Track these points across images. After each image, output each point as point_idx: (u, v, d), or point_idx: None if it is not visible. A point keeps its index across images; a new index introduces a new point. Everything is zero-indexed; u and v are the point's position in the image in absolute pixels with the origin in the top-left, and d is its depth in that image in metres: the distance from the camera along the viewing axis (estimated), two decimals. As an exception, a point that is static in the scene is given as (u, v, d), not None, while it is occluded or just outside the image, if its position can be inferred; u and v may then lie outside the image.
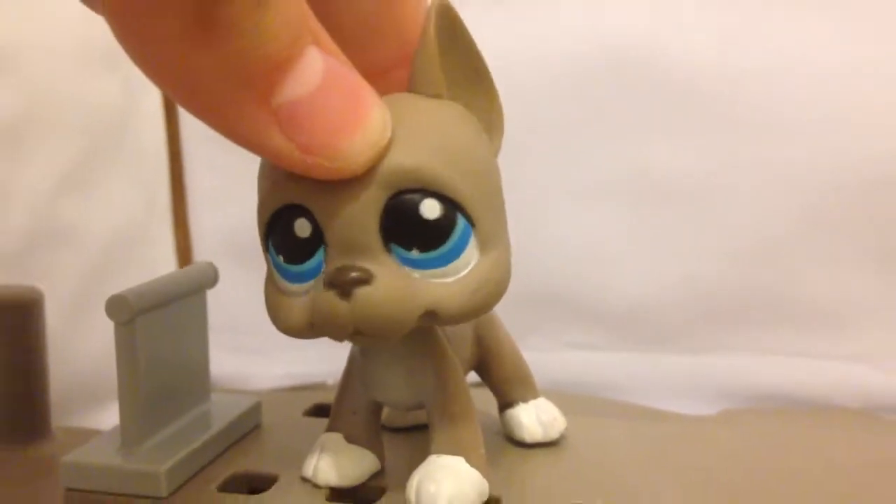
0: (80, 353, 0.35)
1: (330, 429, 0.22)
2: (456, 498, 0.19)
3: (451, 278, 0.17)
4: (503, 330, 0.24)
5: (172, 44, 0.14)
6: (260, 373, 0.41)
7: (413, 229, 0.17)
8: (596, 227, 0.39)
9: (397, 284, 0.17)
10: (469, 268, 0.17)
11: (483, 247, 0.18)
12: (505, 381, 0.24)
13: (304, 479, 0.21)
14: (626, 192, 0.39)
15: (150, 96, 0.42)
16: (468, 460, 0.19)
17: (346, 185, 0.17)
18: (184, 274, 0.24)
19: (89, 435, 0.24)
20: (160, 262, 0.42)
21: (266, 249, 0.19)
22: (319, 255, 0.18)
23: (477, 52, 0.19)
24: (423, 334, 0.20)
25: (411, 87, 0.18)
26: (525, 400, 0.24)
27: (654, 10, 0.38)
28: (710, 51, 0.37)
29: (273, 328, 0.19)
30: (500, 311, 0.23)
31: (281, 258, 0.18)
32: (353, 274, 0.17)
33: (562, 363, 0.38)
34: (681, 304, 0.38)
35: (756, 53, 0.37)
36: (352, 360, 0.22)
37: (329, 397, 0.27)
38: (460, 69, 0.18)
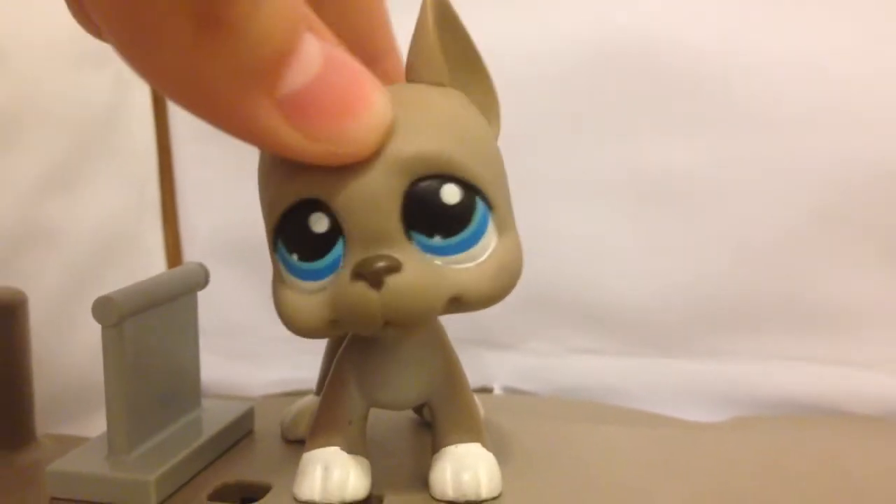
0: (66, 358, 0.35)
1: (324, 444, 0.21)
2: (493, 480, 0.20)
3: (472, 263, 0.18)
4: None
5: (176, 50, 0.14)
6: (253, 378, 0.41)
7: (435, 215, 0.18)
8: (597, 227, 0.39)
9: (424, 272, 0.17)
10: (488, 252, 0.18)
11: (500, 230, 0.18)
12: None
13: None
14: (629, 190, 0.38)
15: (139, 91, 0.41)
16: (483, 444, 0.21)
17: (364, 175, 0.17)
18: (173, 275, 0.24)
19: (75, 442, 0.24)
20: (149, 263, 0.42)
21: (274, 249, 0.19)
22: (338, 250, 0.18)
23: (470, 41, 0.19)
24: (429, 327, 0.21)
25: (411, 78, 0.19)
26: None
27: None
28: (713, 43, 0.37)
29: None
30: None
31: (294, 256, 0.18)
32: (382, 263, 0.17)
33: (565, 368, 0.38)
34: (687, 307, 0.38)
35: (761, 45, 0.37)
36: (343, 369, 0.21)
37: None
38: (456, 58, 0.19)
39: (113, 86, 0.39)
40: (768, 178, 0.37)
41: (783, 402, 0.36)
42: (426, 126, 0.18)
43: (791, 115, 0.36)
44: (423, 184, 0.17)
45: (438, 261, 0.18)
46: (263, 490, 0.22)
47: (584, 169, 0.39)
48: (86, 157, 0.38)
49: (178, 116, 0.43)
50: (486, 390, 0.37)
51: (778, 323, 0.37)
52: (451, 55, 0.19)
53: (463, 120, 0.19)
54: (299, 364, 0.38)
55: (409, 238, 0.18)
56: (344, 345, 0.21)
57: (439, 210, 0.17)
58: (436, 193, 0.17)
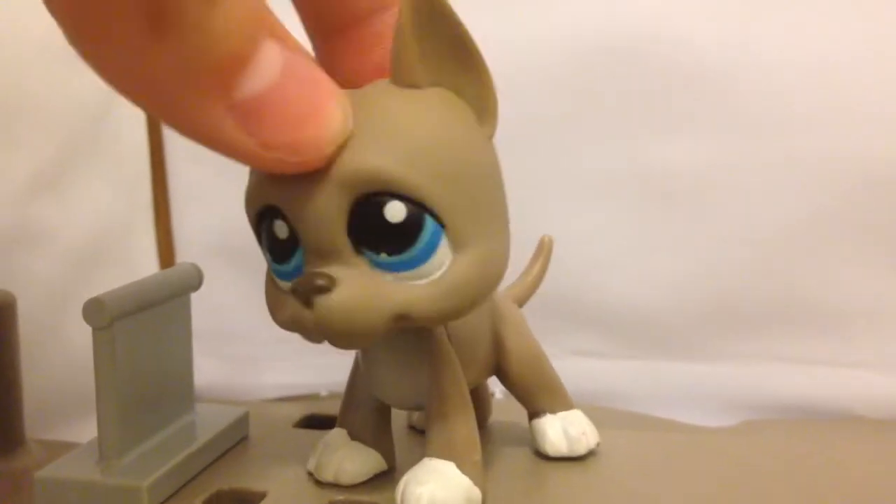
0: (56, 361, 0.35)
1: (337, 426, 0.23)
2: (440, 503, 0.19)
3: (425, 280, 0.18)
4: (521, 333, 0.24)
5: (126, 45, 0.14)
6: (248, 382, 0.41)
7: (379, 233, 0.17)
8: (600, 227, 0.39)
9: (362, 290, 0.17)
10: (441, 270, 0.18)
11: (458, 247, 0.18)
12: (523, 387, 0.24)
13: (309, 474, 0.22)
14: (632, 190, 0.39)
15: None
16: (459, 465, 0.20)
17: (313, 188, 0.17)
18: (166, 276, 0.24)
19: (66, 448, 0.24)
20: (141, 264, 0.42)
21: (261, 244, 0.19)
22: (298, 257, 0.18)
23: (464, 32, 0.18)
24: (422, 333, 0.20)
25: (390, 75, 0.18)
26: (553, 411, 0.24)
27: None
28: (715, 41, 0.37)
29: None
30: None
31: (269, 256, 0.19)
32: (319, 282, 0.17)
33: (567, 371, 0.38)
34: (693, 309, 0.38)
35: (764, 44, 0.37)
36: (357, 360, 0.23)
37: (321, 409, 0.27)
38: (446, 52, 0.18)
39: (104, 83, 0.39)
40: (772, 177, 0.37)
41: (793, 406, 0.36)
42: (375, 140, 0.17)
43: (792, 114, 0.36)
44: (368, 200, 0.17)
45: (389, 276, 0.18)
46: (258, 497, 0.22)
47: (587, 169, 0.39)
48: (76, 156, 0.38)
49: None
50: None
51: (787, 325, 0.37)
52: (437, 52, 0.18)
53: (423, 130, 0.18)
54: (297, 367, 0.38)
55: (359, 252, 0.18)
56: None
57: (383, 228, 0.17)
58: (379, 211, 0.17)
